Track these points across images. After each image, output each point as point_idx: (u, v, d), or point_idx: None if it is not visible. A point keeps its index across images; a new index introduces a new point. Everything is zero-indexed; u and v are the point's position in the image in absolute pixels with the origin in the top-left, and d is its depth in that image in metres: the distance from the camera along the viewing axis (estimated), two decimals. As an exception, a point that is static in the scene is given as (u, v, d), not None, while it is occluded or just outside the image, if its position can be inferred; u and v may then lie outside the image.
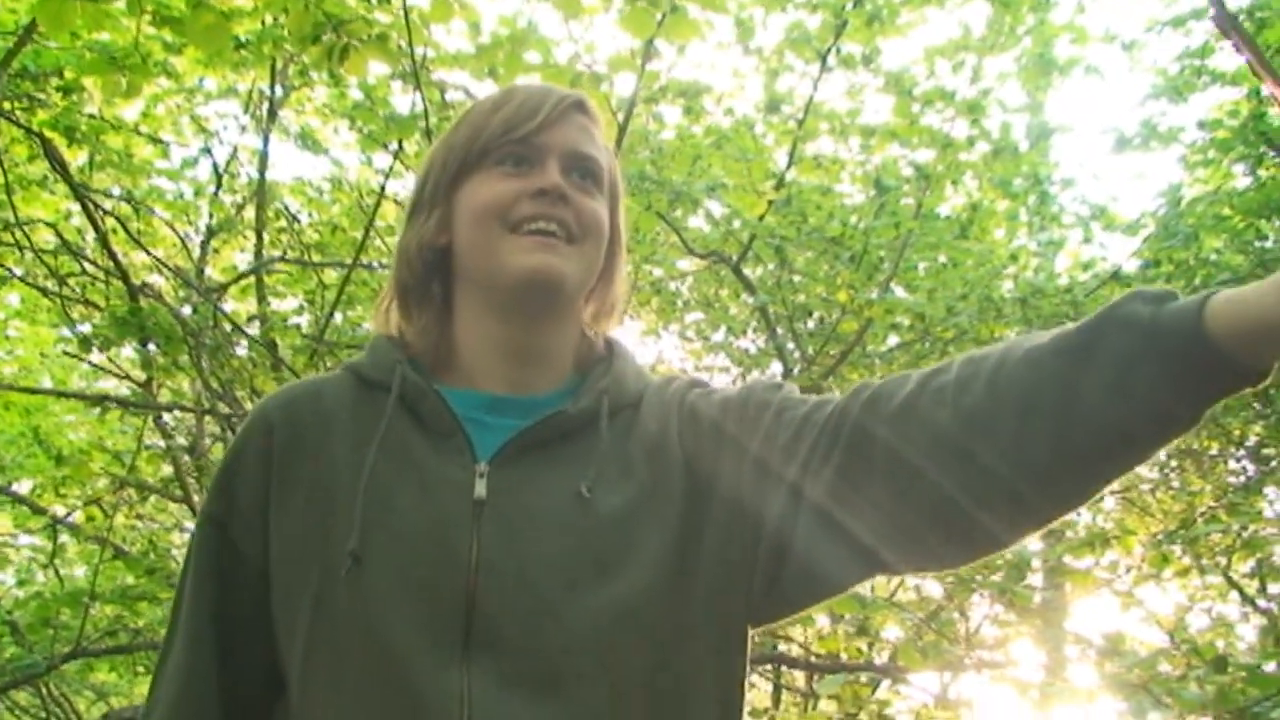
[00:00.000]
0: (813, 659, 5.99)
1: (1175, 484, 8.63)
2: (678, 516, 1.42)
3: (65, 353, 8.19)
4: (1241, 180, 7.94)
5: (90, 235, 7.28)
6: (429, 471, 1.41)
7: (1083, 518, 8.48)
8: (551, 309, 1.49)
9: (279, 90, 7.10)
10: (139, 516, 8.54)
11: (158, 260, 7.47)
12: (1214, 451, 8.25)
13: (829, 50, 5.96)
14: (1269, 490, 7.65)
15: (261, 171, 7.11)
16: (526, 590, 1.35)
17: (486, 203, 1.47)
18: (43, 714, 8.03)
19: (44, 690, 7.86)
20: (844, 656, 5.89)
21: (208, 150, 7.84)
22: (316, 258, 7.53)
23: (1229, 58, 8.16)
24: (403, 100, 6.11)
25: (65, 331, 7.69)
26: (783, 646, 6.53)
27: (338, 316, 6.83)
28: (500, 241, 1.45)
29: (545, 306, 1.48)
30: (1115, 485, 8.58)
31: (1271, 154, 7.65)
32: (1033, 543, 7.53)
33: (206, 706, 1.42)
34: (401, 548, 1.36)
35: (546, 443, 1.44)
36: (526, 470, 1.42)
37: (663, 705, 1.38)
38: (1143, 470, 8.76)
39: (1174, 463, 8.58)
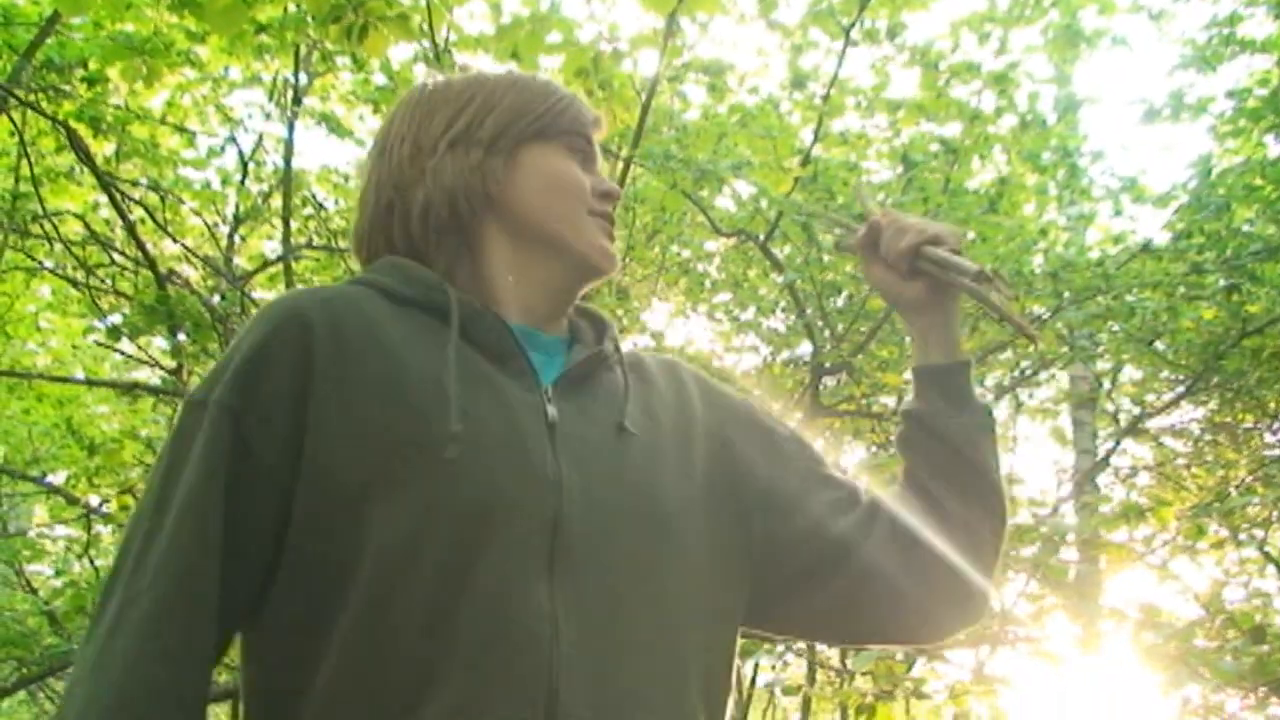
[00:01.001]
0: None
1: (1209, 457, 8.57)
2: (701, 473, 1.52)
3: (96, 343, 8.24)
4: (1273, 150, 7.87)
5: (118, 226, 7.31)
6: (501, 390, 1.41)
7: (1117, 492, 8.44)
8: (591, 282, 1.59)
9: (303, 77, 7.10)
10: (172, 505, 8.59)
11: (186, 249, 7.50)
12: (1249, 424, 8.20)
13: (853, 25, 5.92)
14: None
15: (287, 159, 7.12)
16: (599, 517, 1.38)
17: (570, 182, 1.56)
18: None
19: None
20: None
21: (233, 139, 7.86)
22: (343, 244, 7.54)
23: (1259, 25, 8.09)
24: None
25: (96, 322, 7.73)
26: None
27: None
28: (583, 220, 1.55)
29: (592, 279, 1.58)
30: (1149, 460, 8.53)
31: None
32: (1067, 516, 7.50)
33: (202, 615, 1.29)
34: (494, 456, 1.34)
35: (588, 377, 1.51)
36: (577, 400, 1.46)
37: (707, 632, 1.46)
38: (1177, 444, 8.72)
39: (1208, 436, 8.53)
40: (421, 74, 6.01)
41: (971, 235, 7.00)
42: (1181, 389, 7.67)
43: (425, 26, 4.43)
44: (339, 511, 1.29)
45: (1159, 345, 7.35)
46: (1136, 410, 8.25)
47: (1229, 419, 8.20)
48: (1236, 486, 8.12)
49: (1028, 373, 8.26)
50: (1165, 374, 7.88)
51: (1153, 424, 8.32)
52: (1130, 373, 8.31)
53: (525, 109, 1.56)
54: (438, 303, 1.44)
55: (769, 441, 1.63)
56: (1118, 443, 8.31)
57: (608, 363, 1.55)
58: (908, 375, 1.67)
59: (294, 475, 1.32)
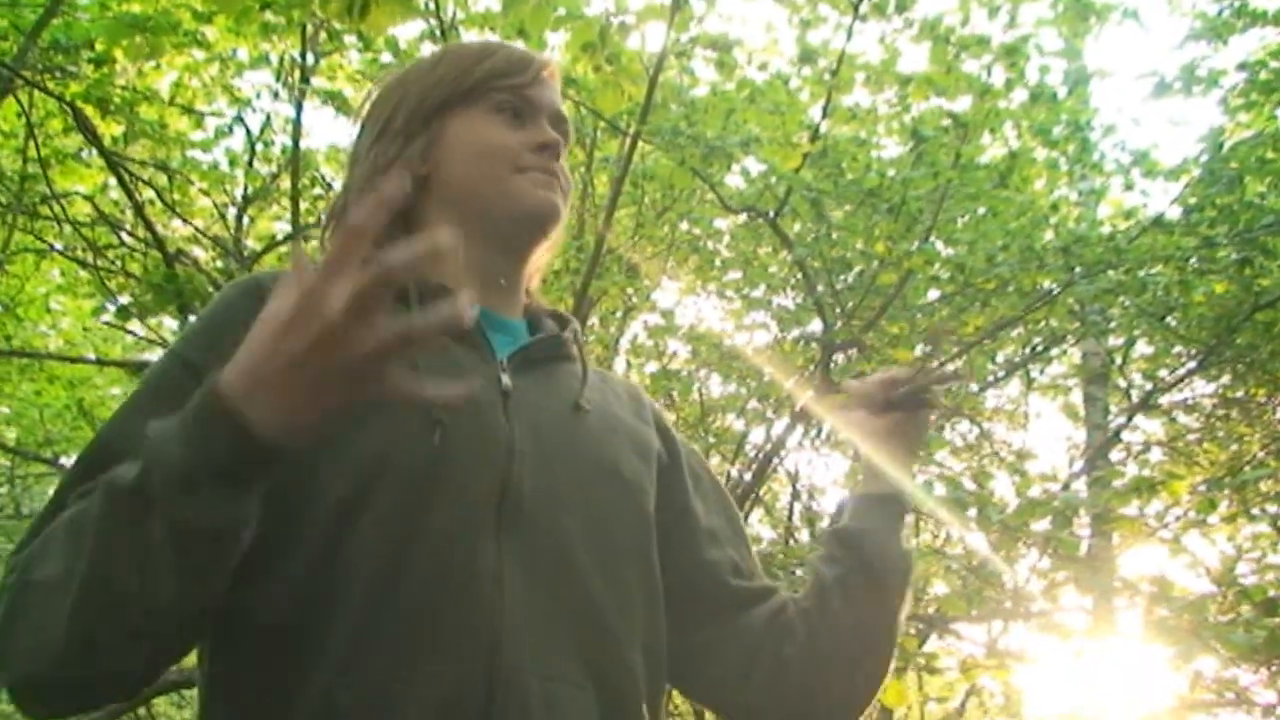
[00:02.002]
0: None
1: (1222, 432, 8.55)
2: (655, 470, 1.60)
3: (106, 324, 8.25)
4: (1285, 122, 7.82)
5: (127, 207, 7.31)
6: (458, 360, 1.45)
7: (1129, 467, 8.42)
8: (538, 244, 1.61)
9: (310, 57, 7.09)
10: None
11: (195, 229, 7.51)
12: (1261, 398, 8.17)
13: (862, -1, 5.89)
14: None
15: (295, 139, 7.11)
16: (549, 480, 1.42)
17: (492, 145, 1.56)
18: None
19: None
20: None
21: (241, 119, 7.85)
22: (352, 224, 7.52)
23: (1270, -2, 8.03)
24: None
25: (107, 303, 7.74)
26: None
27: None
28: (510, 180, 1.55)
29: (537, 240, 1.60)
30: (1161, 435, 8.51)
31: (1316, 95, 7.53)
32: (1080, 492, 7.49)
33: None
34: (454, 421, 1.37)
35: (545, 360, 1.56)
36: (533, 378, 1.51)
37: (649, 611, 1.49)
38: (1189, 419, 8.70)
39: (1220, 411, 8.50)
40: (427, 52, 6.00)
41: (982, 210, 6.97)
42: (1193, 364, 7.63)
43: (430, 4, 4.43)
44: (293, 463, 1.28)
45: (1171, 320, 7.32)
46: (1148, 385, 8.22)
47: (1241, 393, 8.17)
48: (1249, 461, 8.09)
49: (1039, 349, 8.24)
50: (1177, 349, 7.84)
51: (1165, 399, 8.29)
52: (1142, 348, 8.28)
53: (437, 84, 1.58)
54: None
55: (698, 485, 1.69)
56: (1130, 418, 8.28)
57: (566, 351, 1.60)
58: (843, 499, 1.74)
59: None
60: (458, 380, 1.36)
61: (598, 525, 1.44)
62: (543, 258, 1.67)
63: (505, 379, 1.46)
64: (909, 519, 1.70)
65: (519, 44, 1.71)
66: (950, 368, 1.79)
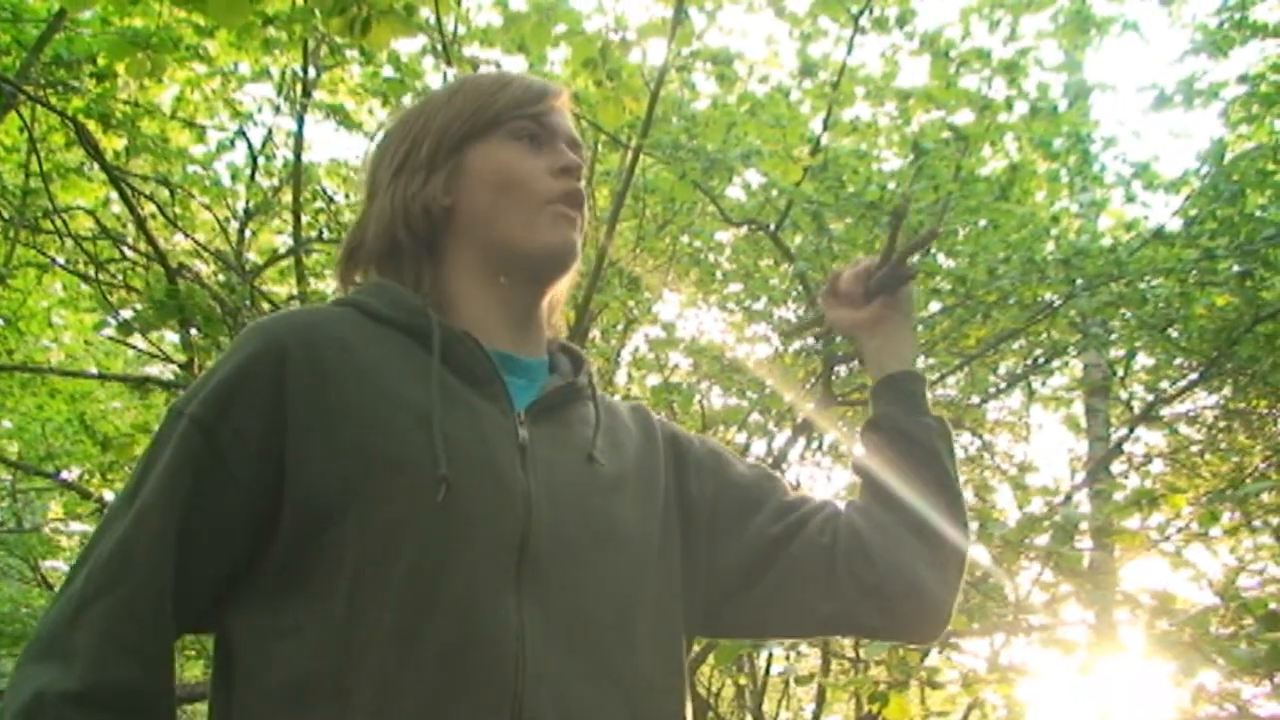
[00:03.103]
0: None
1: (1224, 444, 8.55)
2: (661, 506, 1.59)
3: (108, 338, 8.25)
4: (1285, 134, 7.83)
5: (129, 221, 7.32)
6: (477, 411, 1.44)
7: (1131, 479, 8.42)
8: (557, 280, 1.61)
9: (312, 71, 7.11)
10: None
11: (197, 244, 7.51)
12: (1263, 410, 8.16)
13: (862, 12, 5.90)
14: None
15: (297, 153, 7.12)
16: (564, 535, 1.42)
17: (513, 175, 1.55)
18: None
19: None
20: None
21: (243, 133, 7.86)
22: (354, 237, 7.53)
23: (1270, 10, 8.04)
24: (436, 77, 6.10)
25: (108, 318, 7.74)
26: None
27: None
28: (535, 214, 1.54)
29: (555, 278, 1.60)
30: (1163, 447, 8.49)
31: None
32: (1081, 504, 7.48)
33: (158, 615, 1.32)
34: (471, 479, 1.37)
35: (561, 406, 1.55)
36: (549, 427, 1.51)
37: (660, 657, 1.49)
38: (1190, 431, 8.69)
39: (1222, 423, 8.50)
40: (429, 66, 6.01)
41: (983, 222, 6.97)
42: (1195, 376, 7.64)
43: (431, 19, 4.43)
44: (318, 526, 1.33)
45: (1172, 332, 7.32)
46: (1150, 397, 8.22)
47: (1243, 405, 8.17)
48: (1251, 473, 8.09)
49: (1040, 360, 8.24)
50: (1179, 360, 7.85)
51: (1166, 411, 8.29)
52: (1143, 359, 8.29)
53: (457, 115, 1.58)
54: (420, 327, 1.48)
55: (722, 469, 1.68)
56: (1131, 430, 8.28)
57: (581, 395, 1.59)
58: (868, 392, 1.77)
59: (274, 491, 1.35)
60: (476, 434, 1.41)
61: (612, 579, 1.45)
62: (563, 290, 1.67)
63: (523, 433, 1.46)
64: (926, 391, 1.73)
65: (530, 75, 1.69)
66: (919, 235, 1.78)
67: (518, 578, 1.36)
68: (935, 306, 7.15)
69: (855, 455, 1.70)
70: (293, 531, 1.34)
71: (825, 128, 6.30)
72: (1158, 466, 8.81)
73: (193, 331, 6.36)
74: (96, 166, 6.87)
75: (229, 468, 1.36)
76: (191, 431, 1.38)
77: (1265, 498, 7.38)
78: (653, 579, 1.51)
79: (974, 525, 4.77)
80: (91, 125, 6.53)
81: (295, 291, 7.20)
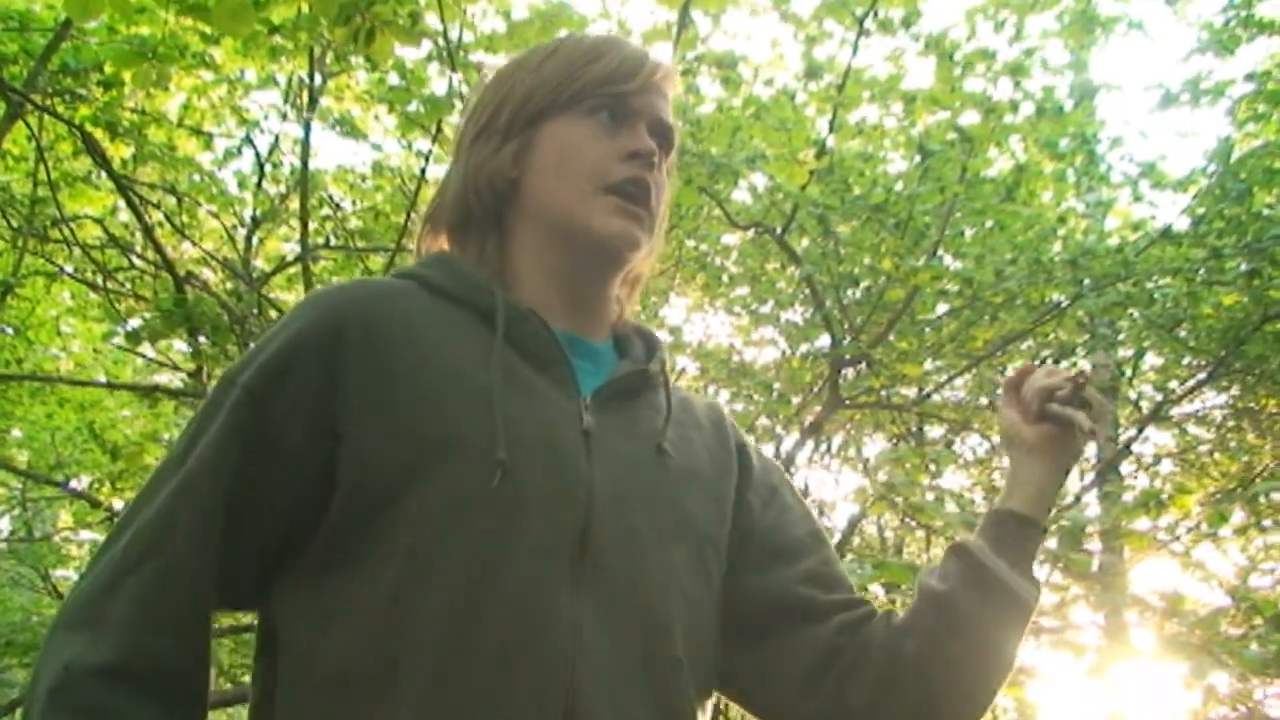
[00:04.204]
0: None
1: (1233, 444, 8.53)
2: (729, 511, 1.53)
3: (117, 346, 8.27)
4: (1293, 132, 7.82)
5: (136, 229, 7.34)
6: (540, 394, 1.40)
7: (1140, 479, 8.40)
8: (618, 270, 1.53)
9: (318, 78, 7.11)
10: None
11: (204, 252, 7.53)
12: (1273, 409, 8.15)
13: (867, 14, 5.89)
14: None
15: (304, 160, 7.13)
16: (628, 527, 1.37)
17: (580, 156, 1.48)
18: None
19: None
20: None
21: (250, 140, 7.87)
22: (360, 244, 7.56)
23: (1277, 6, 8.03)
24: (441, 84, 6.11)
25: (117, 327, 7.76)
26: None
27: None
28: (591, 199, 1.47)
29: (615, 268, 1.52)
30: (1172, 447, 8.48)
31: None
32: (1091, 505, 7.47)
33: (198, 586, 1.28)
34: (531, 465, 1.32)
35: (629, 393, 1.49)
36: (615, 414, 1.45)
37: (707, 667, 1.45)
38: (1200, 430, 8.68)
39: (1231, 423, 8.49)
40: (434, 73, 6.02)
41: (989, 223, 6.97)
42: (1203, 375, 7.63)
43: (439, 23, 4.44)
44: (371, 507, 1.28)
45: (1180, 331, 7.32)
46: (1159, 397, 8.21)
47: (1252, 404, 8.16)
48: (1260, 473, 8.07)
49: (1049, 361, 8.23)
50: (1187, 360, 7.84)
51: (1175, 411, 8.28)
52: (1152, 359, 8.28)
53: (542, 83, 1.50)
54: (484, 304, 1.43)
55: (776, 500, 1.61)
56: (1140, 430, 8.27)
57: (652, 382, 1.53)
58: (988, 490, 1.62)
59: (325, 467, 1.31)
60: (538, 418, 1.36)
61: (673, 577, 1.40)
62: (640, 273, 1.62)
63: (587, 418, 1.40)
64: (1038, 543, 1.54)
65: (630, 46, 1.61)
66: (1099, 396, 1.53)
67: (577, 571, 1.31)
68: (943, 308, 7.15)
69: (932, 577, 1.52)
70: (344, 510, 1.30)
71: (831, 130, 6.29)
72: (1167, 466, 8.80)
73: (201, 339, 6.37)
74: (104, 175, 6.89)
75: (280, 440, 1.32)
76: (243, 400, 1.33)
77: (1276, 496, 7.36)
78: (711, 582, 1.47)
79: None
80: (99, 134, 6.55)
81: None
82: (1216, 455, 8.67)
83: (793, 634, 1.53)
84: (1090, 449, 8.77)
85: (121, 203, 7.25)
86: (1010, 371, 1.67)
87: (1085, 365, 8.74)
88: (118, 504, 8.01)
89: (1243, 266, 6.42)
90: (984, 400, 7.92)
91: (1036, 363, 1.55)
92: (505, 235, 1.51)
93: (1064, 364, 8.37)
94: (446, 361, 1.36)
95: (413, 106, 5.76)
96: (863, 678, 1.49)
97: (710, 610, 1.47)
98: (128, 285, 7.78)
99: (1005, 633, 1.48)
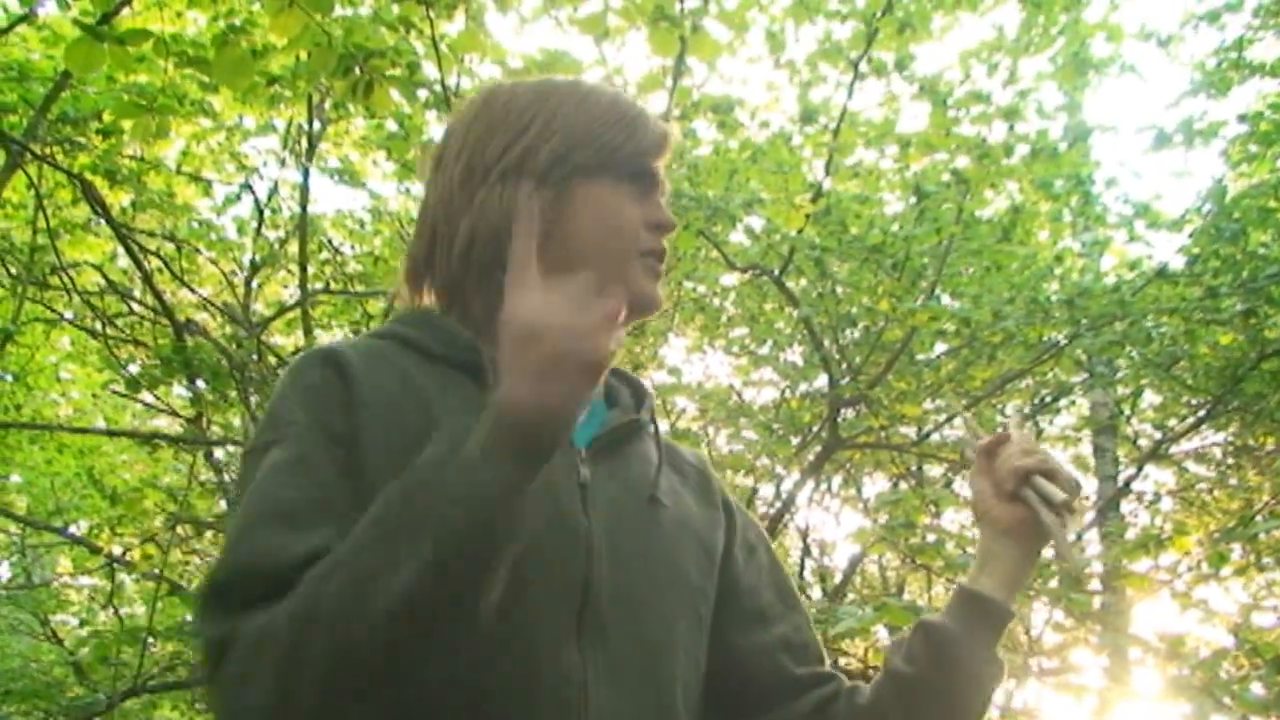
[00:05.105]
0: (870, 671, 5.95)
1: (1233, 481, 8.53)
2: (716, 563, 1.55)
3: (116, 392, 8.28)
4: (1286, 172, 7.86)
5: (136, 276, 7.36)
6: None
7: (1141, 517, 8.40)
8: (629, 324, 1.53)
9: (317, 125, 7.15)
10: (194, 552, 8.62)
11: (203, 299, 7.55)
12: (1271, 447, 8.15)
13: (861, 58, 5.94)
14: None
15: (303, 205, 7.15)
16: (627, 582, 1.38)
17: (619, 222, 1.49)
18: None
19: (109, 729, 7.93)
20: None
21: (249, 186, 7.90)
22: (360, 288, 7.58)
23: (1268, 48, 8.09)
24: (439, 129, 6.14)
25: (119, 374, 7.77)
26: (842, 660, 6.49)
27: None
28: (628, 262, 1.48)
29: (631, 322, 1.50)
30: (1173, 485, 8.47)
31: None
32: (1091, 544, 7.46)
33: None
34: (535, 517, 1.28)
35: (622, 443, 1.51)
36: (609, 464, 1.47)
37: (701, 711, 1.47)
38: (1200, 469, 8.68)
39: (1231, 460, 8.49)
40: (432, 119, 6.04)
41: (986, 263, 6.99)
42: (1202, 413, 7.64)
43: (436, 72, 4.48)
44: None
45: (1178, 370, 7.33)
46: (1158, 435, 8.22)
47: (1251, 442, 8.17)
48: (1260, 510, 8.07)
49: (1047, 400, 8.24)
50: (1185, 398, 7.86)
51: (1174, 449, 8.29)
52: (1150, 398, 8.29)
53: (583, 138, 1.49)
54: (470, 362, 1.41)
55: (756, 559, 1.64)
56: (1140, 468, 8.28)
57: (643, 431, 1.55)
58: (958, 577, 1.62)
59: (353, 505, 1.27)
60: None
61: (668, 630, 1.41)
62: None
63: (584, 470, 1.41)
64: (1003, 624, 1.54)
65: (652, 116, 1.60)
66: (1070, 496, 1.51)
67: (579, 624, 1.32)
68: (941, 348, 7.16)
69: (898, 656, 1.53)
70: None
71: (827, 173, 6.32)
72: (1167, 504, 8.80)
73: (200, 385, 6.38)
74: (103, 222, 6.91)
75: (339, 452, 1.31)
76: (331, 446, 1.32)
77: (1276, 534, 7.36)
78: (702, 635, 1.48)
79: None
80: (98, 182, 6.58)
81: (302, 344, 7.22)
82: (1216, 493, 8.68)
83: (766, 711, 1.54)
84: (1090, 485, 8.78)
85: (120, 250, 7.27)
86: (982, 438, 1.63)
87: (1083, 405, 8.74)
88: (117, 549, 8.01)
89: (1239, 306, 6.44)
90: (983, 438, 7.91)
91: (1011, 428, 1.50)
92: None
93: (1062, 402, 8.39)
94: (442, 418, 1.34)
95: (411, 153, 5.79)
96: None
97: (702, 665, 1.48)
98: (127, 331, 7.79)
99: (966, 715, 1.51)
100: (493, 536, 1.14)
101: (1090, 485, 8.91)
